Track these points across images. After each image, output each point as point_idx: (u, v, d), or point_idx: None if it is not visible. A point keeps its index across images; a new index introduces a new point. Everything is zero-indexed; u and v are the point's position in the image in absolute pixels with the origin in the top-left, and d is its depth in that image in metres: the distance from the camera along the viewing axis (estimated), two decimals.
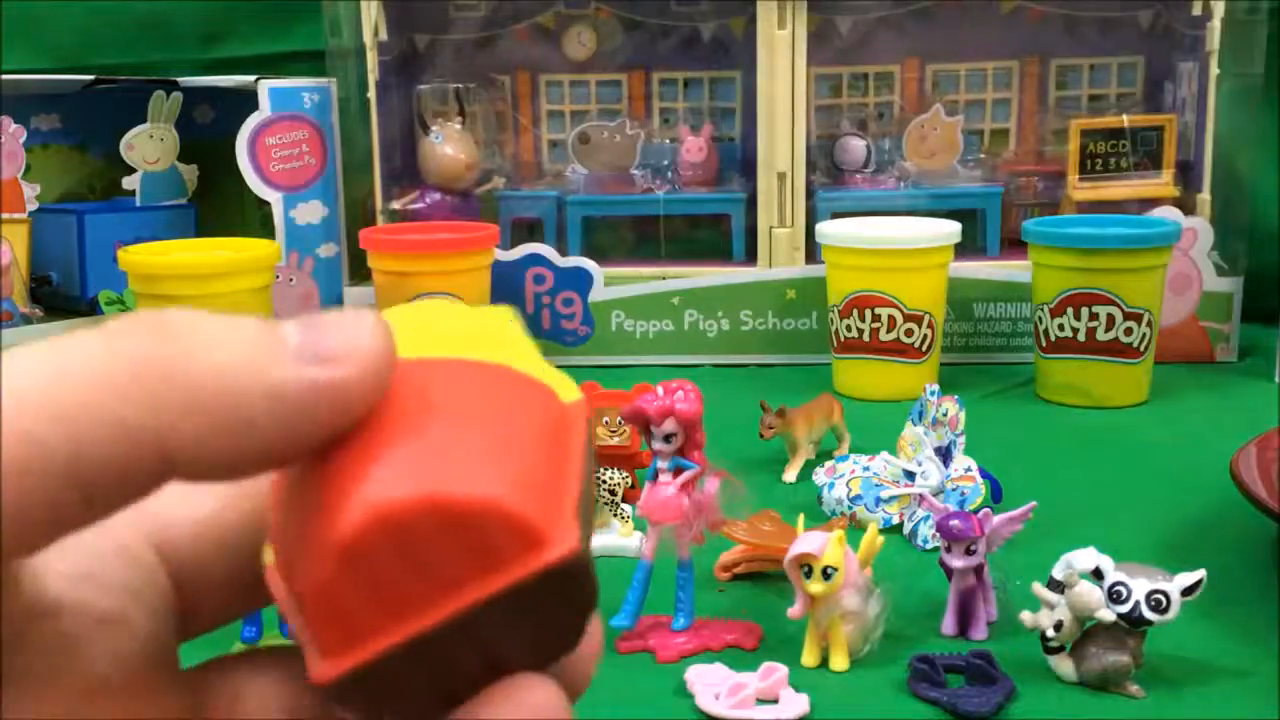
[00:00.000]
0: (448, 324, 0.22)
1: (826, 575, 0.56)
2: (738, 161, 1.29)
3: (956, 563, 0.60)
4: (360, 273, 1.20)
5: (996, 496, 0.76)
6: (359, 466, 0.18)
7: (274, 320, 0.19)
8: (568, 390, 0.21)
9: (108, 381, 0.17)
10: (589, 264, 1.19)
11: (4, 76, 1.19)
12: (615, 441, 0.79)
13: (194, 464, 0.18)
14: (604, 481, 0.72)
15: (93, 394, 0.17)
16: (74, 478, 0.17)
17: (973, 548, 0.59)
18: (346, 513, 0.18)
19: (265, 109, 1.17)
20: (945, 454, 0.74)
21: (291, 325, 0.19)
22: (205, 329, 0.18)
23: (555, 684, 0.19)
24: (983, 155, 1.26)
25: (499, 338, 0.22)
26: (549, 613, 0.19)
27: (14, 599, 0.18)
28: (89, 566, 0.20)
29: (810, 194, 1.20)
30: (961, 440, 0.74)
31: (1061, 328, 1.01)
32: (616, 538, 0.71)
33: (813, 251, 1.15)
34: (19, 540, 0.17)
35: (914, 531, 0.73)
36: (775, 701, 0.54)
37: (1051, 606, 0.56)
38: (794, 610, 0.57)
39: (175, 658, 0.21)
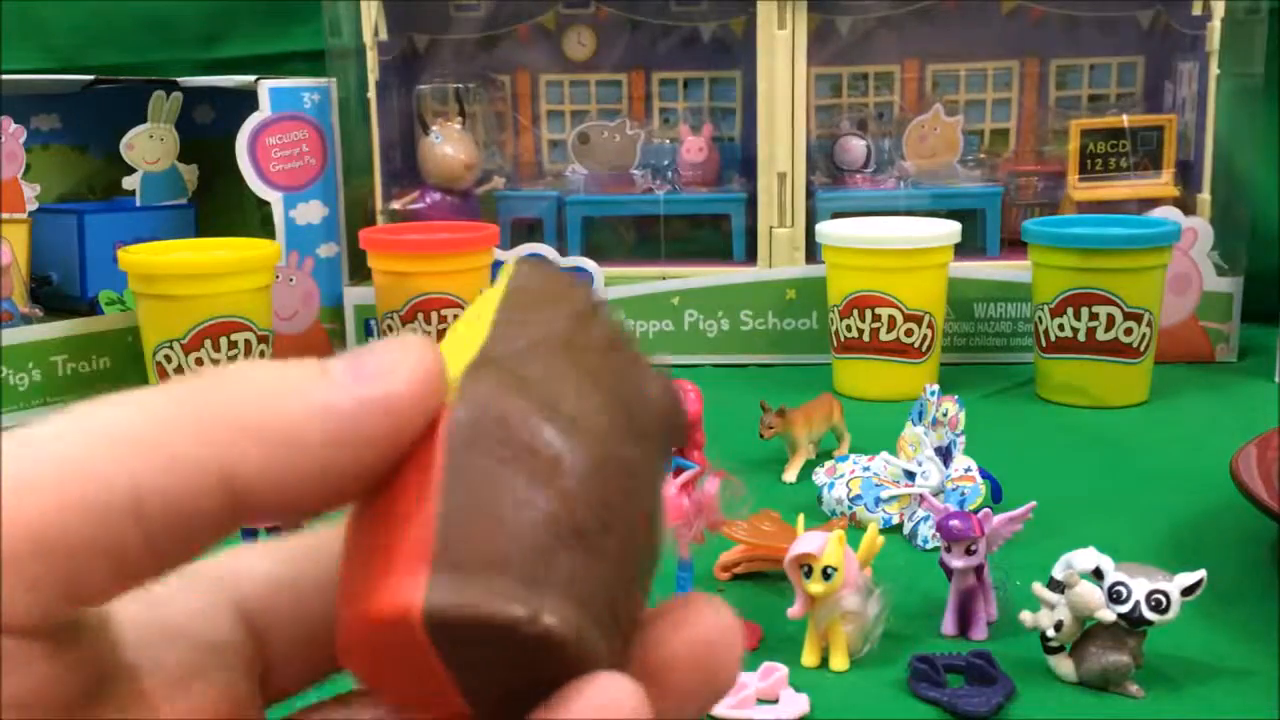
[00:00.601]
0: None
1: (826, 575, 0.55)
2: (738, 161, 1.29)
3: (956, 563, 0.60)
4: (360, 273, 1.20)
5: (996, 496, 0.76)
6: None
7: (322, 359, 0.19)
8: (457, 364, 0.20)
9: (160, 417, 0.18)
10: (589, 264, 1.19)
11: (4, 76, 1.19)
12: None
13: (256, 493, 0.18)
14: None
15: (147, 429, 0.17)
16: (135, 513, 0.17)
17: (973, 548, 0.59)
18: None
19: (265, 109, 1.16)
20: (945, 454, 0.74)
21: (336, 359, 0.19)
22: (252, 369, 0.19)
23: (628, 680, 0.18)
24: (983, 155, 1.26)
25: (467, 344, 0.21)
26: (514, 650, 0.18)
27: (91, 654, 0.19)
28: (167, 626, 0.20)
29: (810, 194, 1.20)
30: (961, 440, 0.74)
31: (1061, 328, 1.01)
32: None
33: (813, 251, 1.15)
34: (84, 581, 0.17)
35: (914, 531, 0.73)
36: (775, 701, 0.54)
37: (1051, 606, 0.56)
38: (794, 610, 0.57)
39: (260, 714, 0.21)
